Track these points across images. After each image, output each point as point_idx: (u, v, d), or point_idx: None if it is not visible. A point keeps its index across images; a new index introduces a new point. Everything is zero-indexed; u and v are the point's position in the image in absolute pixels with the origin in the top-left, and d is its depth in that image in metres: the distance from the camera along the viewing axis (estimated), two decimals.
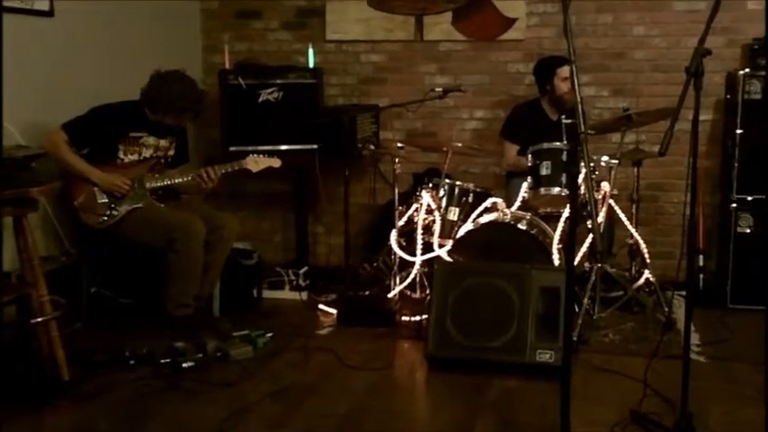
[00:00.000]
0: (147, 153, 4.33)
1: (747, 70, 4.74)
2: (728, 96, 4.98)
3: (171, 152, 4.47)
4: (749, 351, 3.99)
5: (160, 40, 5.32)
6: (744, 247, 4.76)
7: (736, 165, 4.75)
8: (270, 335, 4.08)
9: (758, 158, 4.70)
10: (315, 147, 5.15)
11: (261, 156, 4.45)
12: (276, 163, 4.49)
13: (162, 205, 4.33)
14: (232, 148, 5.05)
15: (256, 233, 5.71)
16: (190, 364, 3.70)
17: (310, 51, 5.39)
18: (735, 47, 5.08)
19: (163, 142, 4.39)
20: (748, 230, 4.75)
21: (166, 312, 4.18)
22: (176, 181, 4.35)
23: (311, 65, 5.38)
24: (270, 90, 5.20)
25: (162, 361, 3.71)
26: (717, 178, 5.21)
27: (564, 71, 4.86)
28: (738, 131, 4.72)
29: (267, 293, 5.00)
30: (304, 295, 4.97)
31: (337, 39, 5.73)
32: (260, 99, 5.20)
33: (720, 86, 5.07)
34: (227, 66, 5.31)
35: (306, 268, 5.15)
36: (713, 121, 5.25)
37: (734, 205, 4.77)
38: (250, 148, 4.63)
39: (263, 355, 3.93)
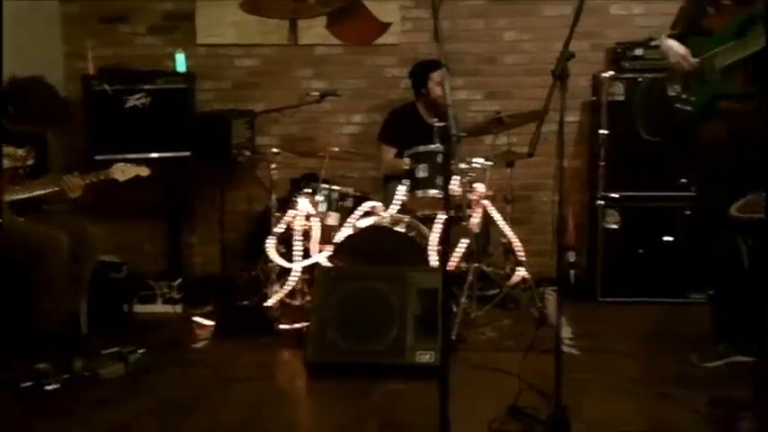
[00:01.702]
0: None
1: (611, 73, 4.93)
2: (594, 98, 5.17)
3: (30, 162, 4.23)
4: (620, 343, 4.15)
5: (17, 44, 5.04)
6: (611, 242, 4.94)
7: (601, 164, 4.93)
8: (142, 351, 3.92)
9: (622, 157, 4.90)
10: (187, 154, 5.00)
11: (128, 164, 4.28)
12: (144, 171, 4.32)
13: (21, 219, 4.09)
14: (98, 157, 4.82)
15: (125, 245, 5.45)
16: (55, 386, 3.50)
17: (178, 56, 5.25)
18: (599, 50, 5.27)
19: (20, 152, 4.15)
20: (615, 226, 4.93)
21: (28, 331, 3.95)
22: (38, 192, 4.12)
23: (180, 69, 5.23)
24: (137, 96, 5.02)
25: (23, 385, 3.48)
26: (585, 177, 5.38)
27: (438, 75, 4.91)
28: (603, 132, 4.90)
29: (138, 308, 4.82)
30: (178, 308, 4.83)
31: (209, 43, 5.60)
32: (127, 105, 5.00)
33: (586, 89, 5.25)
34: (91, 71, 5.09)
35: (180, 280, 4.98)
36: (580, 122, 5.43)
37: (601, 202, 4.94)
38: (117, 157, 4.45)
39: (136, 373, 3.78)
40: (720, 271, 3.83)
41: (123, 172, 4.24)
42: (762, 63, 3.41)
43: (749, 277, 3.56)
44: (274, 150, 4.74)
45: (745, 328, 3.64)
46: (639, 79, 4.85)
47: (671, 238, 4.88)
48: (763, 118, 3.45)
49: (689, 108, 3.77)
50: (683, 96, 3.80)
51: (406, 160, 4.55)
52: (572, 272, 5.19)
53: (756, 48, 3.38)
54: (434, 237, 4.33)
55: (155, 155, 4.96)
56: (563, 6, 5.21)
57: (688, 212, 4.82)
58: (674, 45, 3.75)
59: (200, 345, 4.28)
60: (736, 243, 3.61)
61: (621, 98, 4.89)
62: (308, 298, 4.45)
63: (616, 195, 4.92)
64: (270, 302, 4.53)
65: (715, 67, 3.59)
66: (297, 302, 4.60)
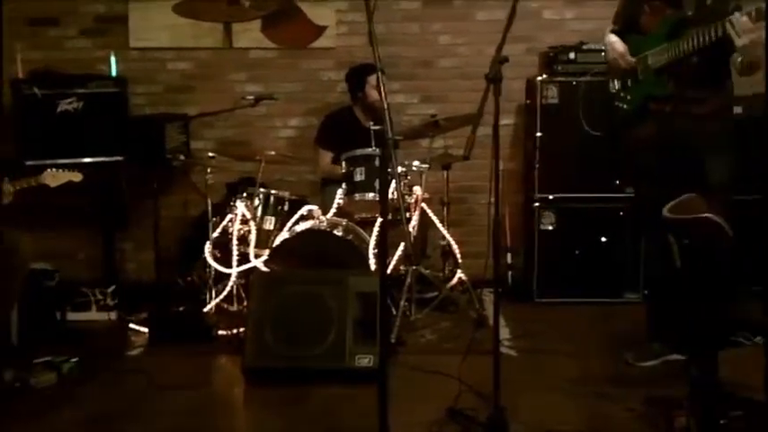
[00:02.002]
0: None
1: (544, 76, 5.00)
2: (528, 101, 5.23)
3: None
4: (557, 343, 4.21)
5: None
6: (547, 243, 5.01)
7: (537, 166, 5.00)
8: (75, 360, 3.82)
9: (557, 159, 4.97)
10: (120, 159, 4.91)
11: (60, 170, 4.18)
12: (77, 177, 4.22)
13: None
14: (28, 163, 4.70)
15: (57, 252, 5.31)
16: None
17: (112, 59, 5.15)
18: (533, 54, 5.34)
19: None
20: (551, 227, 5.00)
21: None
22: None
23: (113, 73, 5.13)
24: (69, 100, 4.90)
25: None
26: (521, 179, 5.45)
27: (374, 79, 4.91)
28: (538, 134, 4.96)
29: (72, 315, 4.70)
30: (113, 315, 4.73)
31: (142, 46, 5.52)
32: (58, 109, 4.89)
33: (520, 92, 5.32)
34: (21, 75, 4.96)
35: (114, 287, 4.87)
36: (515, 125, 5.50)
37: (536, 204, 5.01)
38: (49, 162, 4.34)
39: (70, 382, 3.68)
40: (654, 271, 3.91)
41: (55, 177, 4.13)
42: (689, 66, 3.50)
43: (681, 277, 3.64)
44: (210, 154, 4.70)
45: (679, 327, 3.73)
46: (573, 82, 4.93)
47: (606, 239, 4.97)
48: (690, 121, 3.54)
49: (625, 106, 3.83)
50: (621, 94, 3.86)
51: (344, 164, 4.55)
52: (509, 273, 5.25)
53: (685, 51, 3.46)
54: (372, 240, 4.34)
55: (87, 160, 4.86)
56: (496, 11, 5.27)
57: (622, 213, 4.91)
58: (615, 42, 3.80)
59: (135, 352, 4.20)
60: (668, 243, 3.68)
61: (555, 101, 4.96)
62: (245, 303, 4.41)
63: (551, 197, 4.99)
64: (207, 308, 4.48)
65: (648, 68, 3.67)
66: (234, 308, 4.56)
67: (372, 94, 5.01)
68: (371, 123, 4.76)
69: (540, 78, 4.97)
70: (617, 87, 3.89)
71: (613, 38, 3.82)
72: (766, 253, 3.10)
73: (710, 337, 2.92)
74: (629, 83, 3.80)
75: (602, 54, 4.85)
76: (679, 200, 2.71)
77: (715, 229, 2.33)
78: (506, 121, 5.42)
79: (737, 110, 4.24)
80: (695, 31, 3.38)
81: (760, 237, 2.67)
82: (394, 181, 3.71)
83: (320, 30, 5.50)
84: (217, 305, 4.51)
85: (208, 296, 4.55)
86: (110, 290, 4.83)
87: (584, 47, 5.00)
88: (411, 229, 4.45)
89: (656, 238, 3.75)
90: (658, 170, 3.69)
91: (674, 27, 3.54)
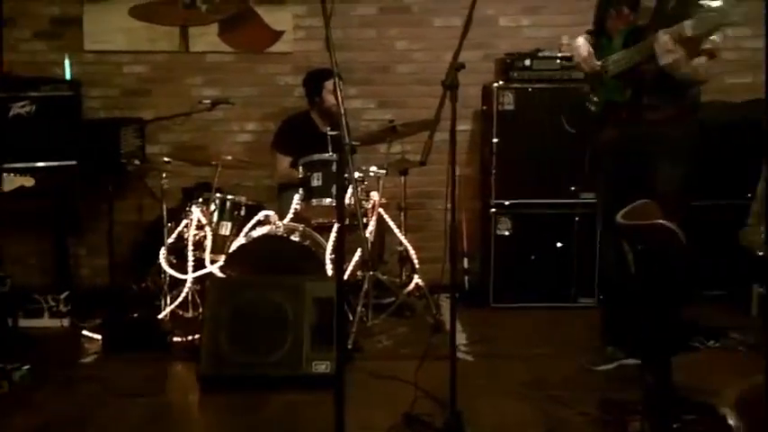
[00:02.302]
0: None
1: (501, 83, 5.04)
2: (484, 107, 5.27)
3: None
4: (513, 348, 4.24)
5: None
6: (503, 248, 5.04)
7: (493, 171, 5.03)
8: (27, 367, 3.76)
9: (513, 165, 5.01)
10: (74, 163, 4.84)
11: (12, 174, 4.10)
12: (29, 182, 4.14)
13: None
14: None
15: (9, 257, 5.22)
16: None
17: (66, 62, 5.08)
18: (489, 61, 5.37)
19: None
20: (507, 233, 5.04)
21: None
22: None
23: (68, 76, 5.06)
24: (21, 103, 4.81)
25: None
26: (477, 184, 5.49)
27: (332, 84, 4.91)
28: (494, 140, 5.00)
29: (24, 322, 4.60)
30: (66, 322, 4.65)
31: (97, 49, 5.45)
32: (11, 113, 4.79)
33: (477, 98, 5.35)
34: None
35: (67, 293, 4.79)
36: (472, 131, 5.54)
37: (493, 210, 5.04)
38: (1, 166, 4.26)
39: (21, 390, 3.62)
40: (608, 276, 3.96)
41: (7, 182, 4.06)
42: (646, 73, 3.55)
43: (636, 283, 3.69)
44: (165, 159, 4.65)
45: (634, 332, 3.78)
46: (529, 89, 4.97)
47: (561, 244, 5.02)
48: (644, 127, 3.60)
49: (593, 108, 3.87)
50: (590, 96, 3.89)
51: (301, 169, 4.54)
52: (466, 278, 5.28)
53: (636, 61, 3.51)
54: (329, 245, 4.33)
55: (40, 164, 4.77)
56: (453, 17, 5.29)
57: (577, 219, 4.97)
58: (579, 46, 3.82)
59: (88, 360, 4.14)
60: (623, 249, 3.73)
61: (511, 107, 5.00)
62: (200, 309, 4.37)
63: (507, 203, 5.02)
64: (162, 315, 4.43)
65: (609, 73, 3.71)
66: (190, 314, 4.52)
67: (329, 99, 5.00)
68: (328, 129, 4.76)
69: (496, 85, 5.01)
70: (587, 89, 3.93)
71: (580, 41, 3.85)
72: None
73: (665, 341, 2.96)
74: (595, 85, 3.84)
75: (558, 61, 4.99)
76: (633, 206, 2.75)
77: (668, 236, 2.37)
78: (463, 126, 5.46)
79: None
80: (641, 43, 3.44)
81: (718, 242, 2.72)
82: (351, 187, 3.72)
83: (277, 34, 5.49)
84: (172, 312, 4.46)
85: (163, 302, 4.49)
86: (63, 296, 4.74)
87: (540, 54, 5.05)
88: (368, 235, 4.46)
89: (610, 242, 3.80)
90: (615, 175, 3.75)
91: (629, 35, 3.59)
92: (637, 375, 3.46)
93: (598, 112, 3.83)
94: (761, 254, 3.28)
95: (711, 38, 3.37)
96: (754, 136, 4.47)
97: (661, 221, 2.52)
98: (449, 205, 3.01)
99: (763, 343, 3.46)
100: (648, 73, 3.54)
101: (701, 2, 3.34)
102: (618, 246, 3.59)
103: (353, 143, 4.60)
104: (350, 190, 4.13)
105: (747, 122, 4.72)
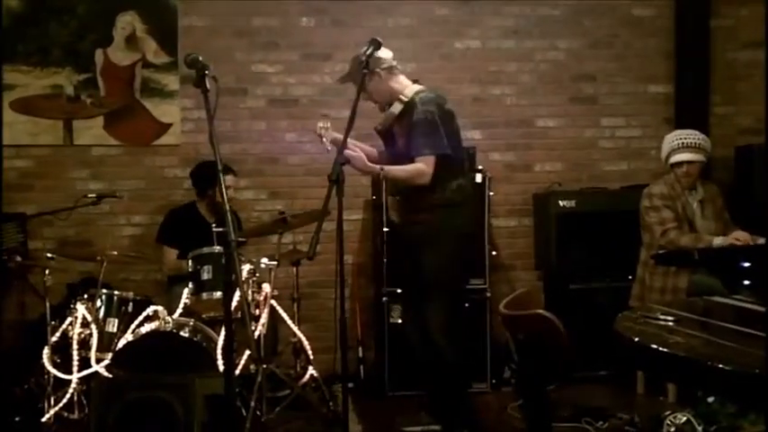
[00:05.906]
0: None
1: None
2: (374, 197, 5.36)
3: None
4: None
5: None
6: (396, 336, 5.03)
7: (385, 260, 5.08)
8: None
9: (403, 253, 5.07)
10: None
11: None
12: None
13: None
14: None
15: None
16: None
17: None
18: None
19: None
20: (399, 321, 5.06)
21: None
22: None
23: None
24: None
25: None
26: (370, 273, 5.53)
27: (230, 179, 4.90)
28: (385, 229, 5.06)
29: None
30: None
31: None
32: None
33: (367, 187, 5.44)
34: None
35: None
36: (364, 220, 5.62)
37: (385, 298, 5.07)
38: None
39: None
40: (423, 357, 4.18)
41: None
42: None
43: (518, 368, 3.79)
44: (48, 255, 4.50)
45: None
46: None
47: None
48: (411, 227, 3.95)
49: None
50: None
51: (190, 262, 4.48)
52: (361, 367, 5.25)
53: None
54: (221, 340, 4.25)
55: None
56: (342, 109, 5.41)
57: (467, 305, 5.06)
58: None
59: None
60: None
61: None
62: (86, 411, 4.18)
63: (399, 291, 5.05)
64: (45, 418, 4.22)
65: None
66: (75, 416, 4.31)
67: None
68: (214, 224, 4.74)
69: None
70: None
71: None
72: None
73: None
74: None
75: None
76: (514, 295, 2.83)
77: (547, 325, 2.44)
78: (355, 216, 5.53)
79: None
80: None
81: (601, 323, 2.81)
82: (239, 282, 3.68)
83: (164, 127, 5.48)
84: (56, 414, 4.25)
85: (46, 404, 4.28)
86: None
87: None
88: (261, 327, 4.40)
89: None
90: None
91: None
92: None
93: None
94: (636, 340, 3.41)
95: None
96: (631, 221, 4.76)
97: (539, 312, 2.58)
98: (338, 295, 3.03)
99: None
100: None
101: None
102: (424, 331, 3.89)
103: (240, 239, 4.57)
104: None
105: (623, 209, 5.01)
